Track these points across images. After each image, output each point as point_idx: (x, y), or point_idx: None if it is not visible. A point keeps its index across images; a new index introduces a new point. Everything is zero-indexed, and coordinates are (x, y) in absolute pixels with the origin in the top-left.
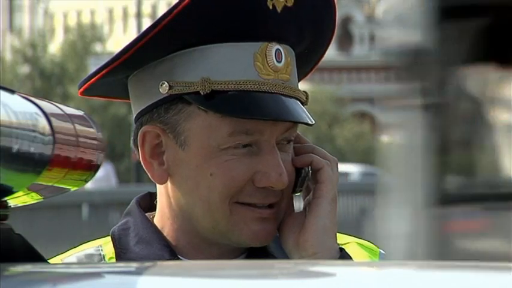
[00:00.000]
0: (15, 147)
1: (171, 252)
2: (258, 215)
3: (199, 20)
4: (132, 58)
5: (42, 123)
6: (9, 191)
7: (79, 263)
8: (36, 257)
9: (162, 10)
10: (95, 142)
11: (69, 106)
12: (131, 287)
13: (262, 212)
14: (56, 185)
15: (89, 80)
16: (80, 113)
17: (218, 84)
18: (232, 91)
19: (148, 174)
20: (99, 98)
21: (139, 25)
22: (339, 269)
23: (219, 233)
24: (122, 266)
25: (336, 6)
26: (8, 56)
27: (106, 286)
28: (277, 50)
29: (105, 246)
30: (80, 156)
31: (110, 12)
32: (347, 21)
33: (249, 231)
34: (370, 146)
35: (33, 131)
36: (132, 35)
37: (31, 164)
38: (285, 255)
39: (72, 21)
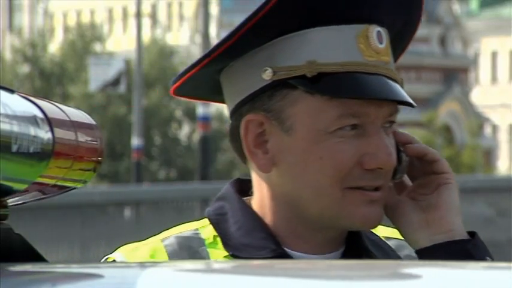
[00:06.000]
0: (15, 147)
1: (275, 242)
2: (368, 197)
3: (300, 5)
4: (235, 45)
5: (42, 122)
6: (9, 191)
7: (148, 261)
8: (36, 257)
9: (162, 10)
10: (94, 142)
11: (68, 106)
12: (131, 287)
13: (371, 195)
14: (55, 184)
15: (186, 74)
16: (79, 112)
17: (324, 66)
18: (338, 73)
19: (253, 164)
20: (187, 99)
21: (139, 25)
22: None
23: (328, 218)
24: (122, 266)
25: None
26: (8, 55)
27: (106, 286)
28: (378, 31)
29: (203, 229)
30: (80, 156)
31: (110, 12)
32: None
33: (359, 214)
34: None
35: (33, 130)
36: (131, 34)
37: (30, 163)
38: (380, 250)
39: (71, 21)
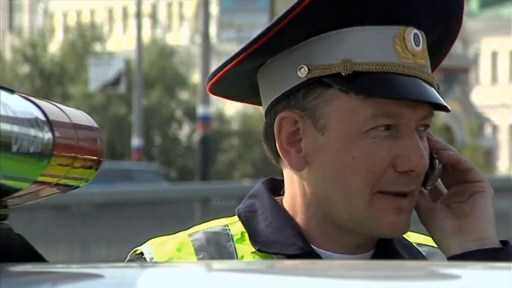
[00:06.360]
0: (15, 147)
1: (304, 241)
2: (397, 205)
3: (338, 4)
4: (270, 42)
5: (42, 123)
6: (9, 191)
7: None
8: (36, 257)
9: (162, 10)
10: (94, 142)
11: (69, 106)
12: (131, 287)
13: (400, 202)
14: (56, 184)
15: (221, 70)
16: (79, 112)
17: (360, 66)
18: (373, 73)
19: (285, 163)
20: (220, 97)
21: (139, 25)
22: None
23: (356, 221)
24: (122, 266)
25: (464, 3)
26: (8, 55)
27: (106, 286)
28: (416, 34)
29: (232, 226)
30: (80, 156)
31: (110, 12)
32: None
33: (387, 221)
34: None
35: (33, 130)
36: (131, 34)
37: (30, 163)
38: (410, 255)
39: (71, 21)
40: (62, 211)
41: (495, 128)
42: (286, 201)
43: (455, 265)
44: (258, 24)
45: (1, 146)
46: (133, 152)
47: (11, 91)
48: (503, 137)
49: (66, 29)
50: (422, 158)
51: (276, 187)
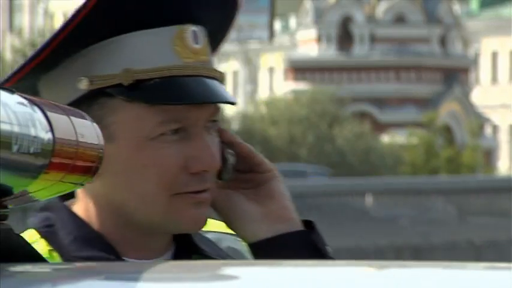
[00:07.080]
0: (15, 147)
1: (115, 252)
2: (195, 200)
3: (112, 11)
4: (47, 59)
5: (42, 123)
6: (9, 191)
7: (47, 264)
8: (36, 257)
9: None
10: (94, 143)
11: (69, 106)
12: (131, 287)
13: (199, 197)
14: (56, 184)
15: None
16: (80, 113)
17: (141, 73)
18: (155, 79)
19: None
20: None
21: None
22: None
23: (156, 224)
24: (122, 266)
25: None
26: (8, 55)
27: (106, 286)
28: (194, 31)
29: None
30: (80, 157)
31: None
32: (347, 21)
33: (187, 218)
34: (370, 146)
35: (33, 130)
36: None
37: (31, 164)
38: (210, 246)
39: None
40: None
41: (495, 128)
42: (81, 211)
43: (454, 265)
44: (258, 24)
45: (1, 146)
46: None
47: (11, 91)
48: (503, 137)
49: None
50: (213, 157)
51: (63, 196)
